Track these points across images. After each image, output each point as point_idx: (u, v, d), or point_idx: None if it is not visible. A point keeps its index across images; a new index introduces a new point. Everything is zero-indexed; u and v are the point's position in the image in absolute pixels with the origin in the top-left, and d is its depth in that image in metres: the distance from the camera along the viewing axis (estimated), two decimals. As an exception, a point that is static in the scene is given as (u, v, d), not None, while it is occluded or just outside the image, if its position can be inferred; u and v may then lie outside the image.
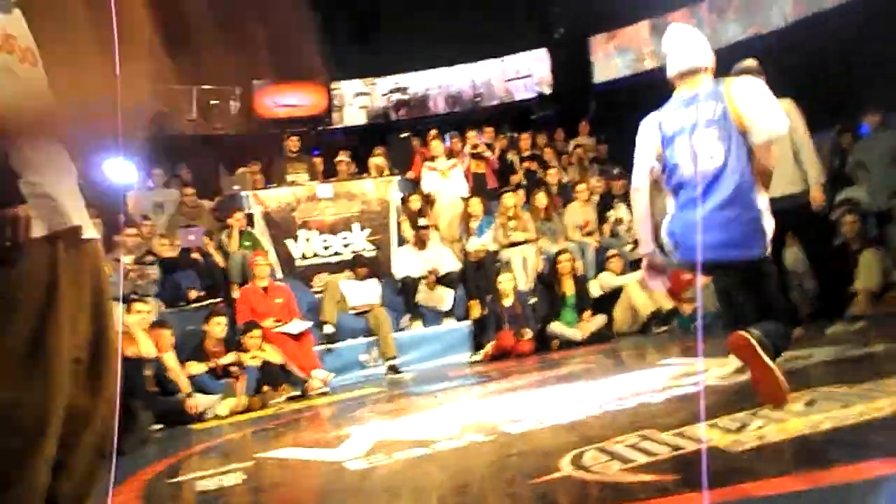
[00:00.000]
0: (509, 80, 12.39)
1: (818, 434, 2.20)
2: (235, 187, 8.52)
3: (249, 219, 8.14)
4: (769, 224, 3.00)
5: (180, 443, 4.62)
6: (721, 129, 2.98)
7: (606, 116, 10.59)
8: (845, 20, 7.54)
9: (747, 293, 3.08)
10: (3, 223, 1.72)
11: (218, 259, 7.55)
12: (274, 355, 6.28)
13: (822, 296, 4.78)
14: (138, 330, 5.35)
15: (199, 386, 5.74)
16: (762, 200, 2.99)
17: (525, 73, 12.37)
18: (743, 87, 3.06)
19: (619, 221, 8.34)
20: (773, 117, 2.96)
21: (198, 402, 5.58)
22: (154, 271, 7.18)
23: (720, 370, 3.74)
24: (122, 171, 8.09)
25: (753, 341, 2.70)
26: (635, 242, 8.21)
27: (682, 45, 3.22)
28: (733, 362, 3.47)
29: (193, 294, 7.20)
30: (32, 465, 1.78)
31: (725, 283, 3.22)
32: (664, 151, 3.13)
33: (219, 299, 7.15)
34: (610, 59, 11.79)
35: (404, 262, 7.86)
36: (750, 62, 4.54)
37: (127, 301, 5.80)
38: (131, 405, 4.67)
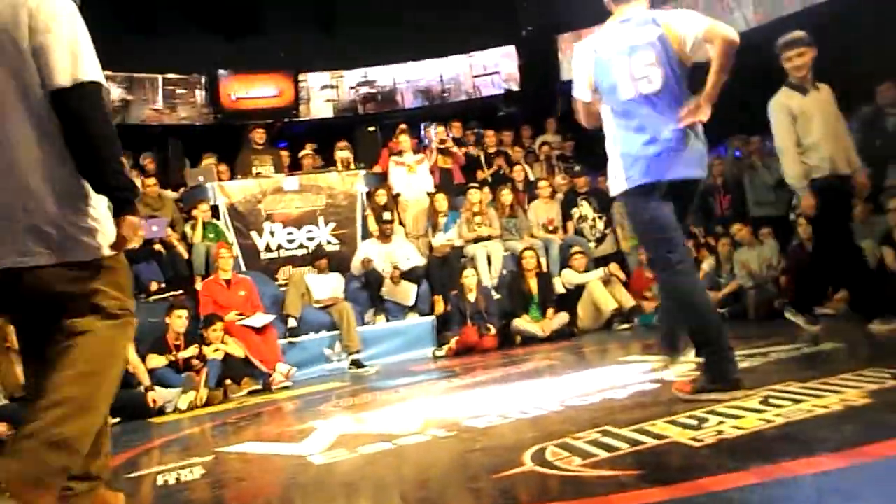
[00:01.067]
0: (477, 76, 12.40)
1: (771, 430, 2.26)
2: (200, 178, 8.40)
3: (214, 210, 8.06)
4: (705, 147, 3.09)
5: (139, 437, 4.56)
6: (658, 53, 3.00)
7: (573, 114, 10.64)
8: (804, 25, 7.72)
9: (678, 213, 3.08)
10: None
11: (181, 251, 7.45)
12: (236, 349, 6.23)
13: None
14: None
15: (159, 379, 5.67)
16: (698, 125, 3.05)
17: (493, 69, 12.40)
18: (675, 12, 3.13)
19: (583, 219, 8.43)
20: (701, 22, 2.97)
21: (158, 395, 5.52)
22: (114, 262, 7.06)
23: (680, 367, 3.81)
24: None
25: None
26: (599, 240, 8.33)
27: None
28: (692, 358, 3.56)
29: (155, 286, 7.10)
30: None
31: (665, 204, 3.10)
32: (599, 77, 3.13)
33: (180, 292, 7.06)
34: (577, 58, 11.85)
35: (366, 257, 7.84)
36: (799, 32, 4.50)
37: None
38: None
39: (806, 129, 4.43)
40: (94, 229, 2.09)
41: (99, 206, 2.14)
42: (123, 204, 2.12)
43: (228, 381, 6.05)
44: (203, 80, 11.47)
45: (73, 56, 2.02)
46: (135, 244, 2.28)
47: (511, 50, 12.28)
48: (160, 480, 3.00)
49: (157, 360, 5.78)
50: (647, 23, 3.05)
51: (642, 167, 3.02)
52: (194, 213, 7.78)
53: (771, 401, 2.64)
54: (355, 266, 7.77)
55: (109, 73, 10.68)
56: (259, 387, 6.21)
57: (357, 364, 6.88)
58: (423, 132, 9.65)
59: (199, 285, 7.07)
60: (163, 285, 7.16)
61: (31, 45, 2.00)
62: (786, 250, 6.72)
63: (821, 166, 4.39)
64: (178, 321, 6.00)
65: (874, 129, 6.83)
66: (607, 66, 3.10)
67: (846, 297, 5.81)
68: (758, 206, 7.70)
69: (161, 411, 5.50)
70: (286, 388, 6.23)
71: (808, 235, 6.33)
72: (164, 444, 4.30)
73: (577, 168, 8.87)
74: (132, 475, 3.26)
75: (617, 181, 3.16)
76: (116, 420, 5.23)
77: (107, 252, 2.11)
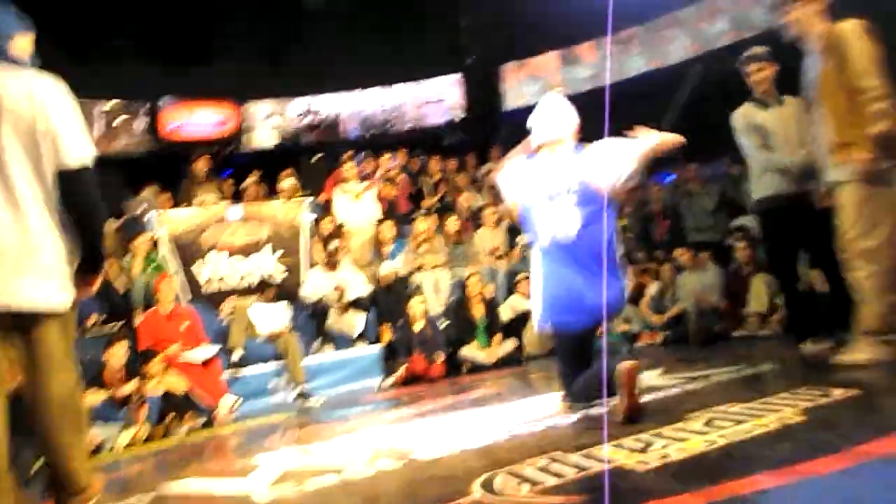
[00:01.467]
0: (422, 105, 12.52)
1: (714, 451, 2.31)
2: (141, 208, 8.22)
3: (155, 241, 7.89)
4: (626, 283, 3.27)
5: (75, 477, 4.37)
6: (580, 197, 3.17)
7: (517, 143, 10.84)
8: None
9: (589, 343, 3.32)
10: None
11: (120, 283, 7.25)
12: (178, 383, 6.07)
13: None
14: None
15: (97, 416, 5.47)
16: (622, 262, 3.24)
17: (438, 97, 12.54)
18: (596, 149, 3.24)
19: (528, 246, 8.51)
20: (619, 166, 3.14)
21: (95, 433, 5.32)
22: (50, 295, 6.82)
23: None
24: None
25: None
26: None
27: (550, 116, 3.41)
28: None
29: (92, 319, 6.88)
30: None
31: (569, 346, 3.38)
32: (522, 215, 3.33)
33: (119, 325, 6.86)
34: (520, 87, 12.10)
35: (314, 285, 7.76)
36: (759, 48, 4.59)
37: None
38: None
39: (766, 144, 4.46)
40: (69, 284, 2.48)
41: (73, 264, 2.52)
42: (100, 266, 2.63)
43: (170, 417, 5.88)
44: (145, 108, 11.29)
45: (80, 140, 2.43)
46: None
47: (456, 79, 12.44)
48: (97, 523, 2.88)
49: (94, 396, 5.58)
50: (571, 169, 3.23)
51: (549, 311, 3.23)
52: (134, 243, 7.61)
53: (714, 422, 2.70)
54: (307, 296, 7.70)
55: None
56: (202, 421, 6.05)
57: (303, 396, 6.77)
58: (360, 164, 9.60)
59: (139, 318, 6.88)
60: (101, 318, 6.95)
61: (45, 127, 2.35)
62: (725, 274, 6.91)
63: (779, 184, 4.40)
64: (117, 356, 5.82)
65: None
66: (528, 211, 3.29)
67: (782, 318, 6.00)
68: (697, 232, 7.92)
69: (99, 449, 5.31)
70: (231, 422, 6.09)
71: (744, 259, 6.54)
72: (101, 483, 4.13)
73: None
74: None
75: (535, 313, 3.38)
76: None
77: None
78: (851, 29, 3.59)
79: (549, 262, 3.21)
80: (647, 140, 3.14)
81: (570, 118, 3.43)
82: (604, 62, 11.12)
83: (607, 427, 3.01)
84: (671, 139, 3.14)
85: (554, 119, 3.41)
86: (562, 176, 3.23)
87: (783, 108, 4.54)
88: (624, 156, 3.16)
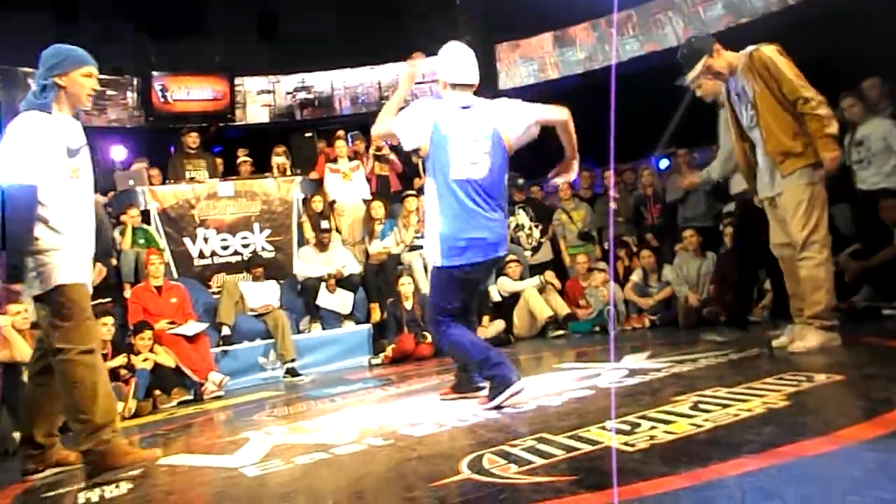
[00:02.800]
0: (416, 83, 12.43)
1: (701, 434, 2.33)
2: (130, 182, 8.16)
3: (145, 215, 7.85)
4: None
5: (62, 450, 4.36)
6: (491, 144, 3.43)
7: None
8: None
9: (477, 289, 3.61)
10: None
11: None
12: (166, 358, 6.07)
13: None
14: (12, 331, 5.01)
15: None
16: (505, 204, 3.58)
17: (431, 77, 12.44)
18: (506, 110, 3.53)
19: (520, 227, 8.52)
20: (524, 124, 3.47)
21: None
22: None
23: (612, 374, 3.90)
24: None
25: None
26: (534, 249, 8.43)
27: (467, 60, 3.63)
28: (625, 366, 3.67)
29: (80, 293, 6.85)
30: None
31: (473, 281, 3.64)
32: (434, 147, 3.44)
33: (108, 299, 6.83)
34: (515, 68, 12.02)
35: (305, 264, 7.77)
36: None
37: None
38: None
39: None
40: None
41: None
42: (18, 275, 3.17)
43: (158, 392, 5.88)
44: (135, 82, 11.16)
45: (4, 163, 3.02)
46: None
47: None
48: (82, 498, 2.89)
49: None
50: (486, 116, 3.48)
51: (457, 251, 3.41)
52: (123, 218, 7.57)
53: (700, 406, 2.72)
54: (300, 274, 7.71)
55: (30, 69, 10.29)
56: (190, 397, 6.06)
57: (292, 373, 6.79)
58: (351, 142, 9.56)
59: (127, 293, 6.86)
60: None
61: None
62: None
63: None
64: (104, 329, 5.80)
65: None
66: (445, 144, 3.40)
67: (768, 304, 6.04)
68: (688, 218, 7.91)
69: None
70: (218, 397, 6.10)
71: (733, 245, 6.55)
72: (88, 457, 4.12)
73: (521, 181, 8.92)
74: (51, 494, 3.12)
75: (433, 255, 3.53)
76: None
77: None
78: (772, 51, 3.87)
79: (456, 200, 3.38)
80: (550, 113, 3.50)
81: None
82: (598, 44, 11.07)
83: (593, 410, 3.04)
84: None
85: (473, 64, 3.62)
86: (479, 119, 3.46)
87: None
88: (529, 117, 3.48)
